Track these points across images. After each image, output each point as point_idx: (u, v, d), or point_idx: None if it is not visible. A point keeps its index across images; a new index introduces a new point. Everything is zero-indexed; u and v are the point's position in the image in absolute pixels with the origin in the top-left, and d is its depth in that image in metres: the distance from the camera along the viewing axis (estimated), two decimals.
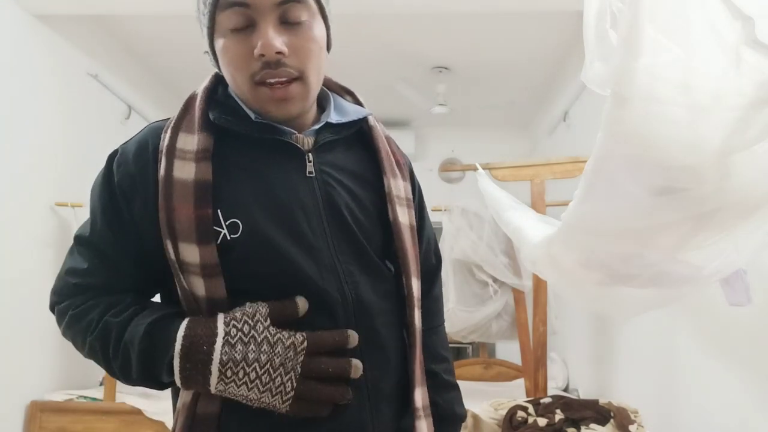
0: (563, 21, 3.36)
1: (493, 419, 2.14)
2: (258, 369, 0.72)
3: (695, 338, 2.29)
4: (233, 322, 0.74)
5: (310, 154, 0.85)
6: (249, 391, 0.73)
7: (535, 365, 2.70)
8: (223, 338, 0.73)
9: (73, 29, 3.33)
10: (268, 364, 0.73)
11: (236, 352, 0.72)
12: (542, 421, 1.98)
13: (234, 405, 0.77)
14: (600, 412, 2.00)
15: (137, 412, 2.89)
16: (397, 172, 0.92)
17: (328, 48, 0.88)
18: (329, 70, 0.93)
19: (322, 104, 0.93)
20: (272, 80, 0.79)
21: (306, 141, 0.86)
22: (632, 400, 2.38)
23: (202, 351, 0.73)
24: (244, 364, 0.72)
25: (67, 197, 3.12)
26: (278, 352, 0.73)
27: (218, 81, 0.89)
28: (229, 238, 0.78)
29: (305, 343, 0.74)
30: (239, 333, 0.73)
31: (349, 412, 0.79)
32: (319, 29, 0.83)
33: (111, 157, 0.85)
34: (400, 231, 0.88)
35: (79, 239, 0.85)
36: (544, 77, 4.29)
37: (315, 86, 0.85)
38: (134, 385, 0.81)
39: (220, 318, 0.75)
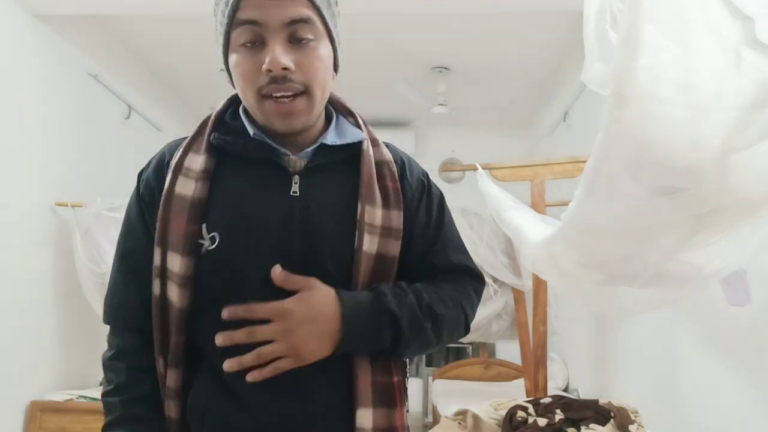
0: (563, 21, 3.36)
1: (493, 419, 2.13)
2: None
3: (695, 338, 2.29)
4: None
5: (297, 176, 0.89)
6: None
7: (535, 365, 2.70)
8: None
9: (73, 29, 3.33)
10: None
11: None
12: (542, 421, 1.98)
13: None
14: (600, 412, 2.00)
15: None
16: (378, 200, 0.91)
17: (336, 69, 0.93)
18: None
19: (330, 119, 0.97)
20: (278, 94, 0.83)
21: (298, 163, 0.90)
22: (632, 400, 2.38)
23: None
24: None
25: (67, 197, 3.12)
26: None
27: (231, 103, 0.96)
28: (208, 249, 0.86)
29: None
30: None
31: (298, 424, 0.85)
32: (325, 49, 0.88)
33: (140, 173, 0.96)
34: (359, 260, 0.88)
35: (119, 253, 0.95)
36: (544, 77, 4.29)
37: (319, 102, 0.88)
38: None
39: None
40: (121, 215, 3.29)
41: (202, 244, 0.86)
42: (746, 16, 0.90)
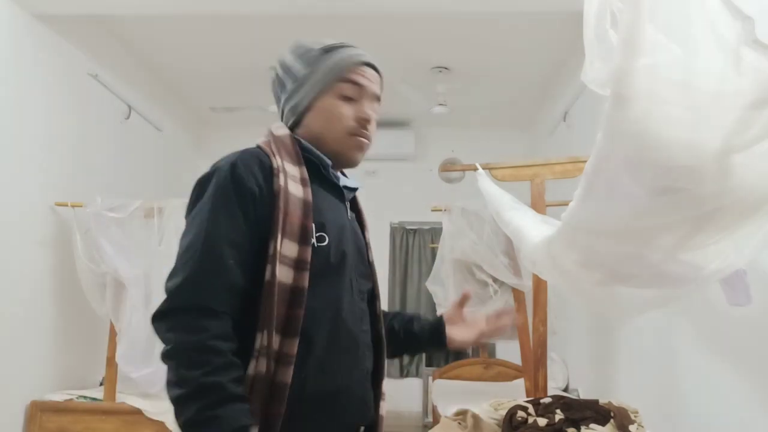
0: (563, 21, 3.36)
1: (493, 419, 2.13)
2: None
3: (695, 338, 2.29)
4: None
5: (348, 202, 1.20)
6: None
7: (535, 365, 2.70)
8: None
9: (73, 29, 3.33)
10: None
11: None
12: (542, 421, 1.98)
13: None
14: (600, 412, 2.00)
15: (137, 412, 2.90)
16: (368, 227, 1.28)
17: None
18: None
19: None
20: (361, 136, 1.16)
21: (344, 192, 1.20)
22: (632, 400, 2.38)
23: None
24: None
25: (67, 197, 3.12)
26: None
27: (291, 132, 1.18)
28: (316, 246, 1.05)
29: None
30: None
31: (362, 390, 1.11)
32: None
33: (233, 168, 1.04)
34: (374, 270, 1.24)
35: (226, 243, 1.00)
36: (544, 77, 4.29)
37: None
38: (176, 413, 0.93)
39: None
40: (120, 215, 3.24)
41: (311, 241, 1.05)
42: (746, 16, 0.90)
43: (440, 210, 3.28)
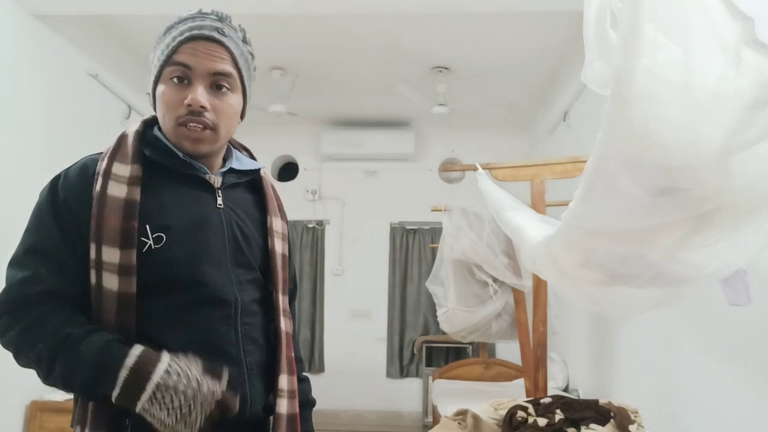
0: (563, 21, 3.37)
1: (493, 419, 2.13)
2: (182, 400, 0.88)
3: (695, 338, 2.29)
4: (175, 358, 0.91)
5: (219, 190, 1.11)
6: (168, 416, 0.88)
7: (535, 365, 2.70)
8: (166, 365, 0.90)
9: (73, 29, 3.33)
10: (192, 398, 0.89)
11: (170, 380, 0.88)
12: (542, 421, 1.98)
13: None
14: (600, 412, 2.00)
15: None
16: (278, 213, 1.20)
17: (242, 116, 1.15)
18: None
19: (226, 156, 1.19)
20: (192, 124, 1.04)
21: (216, 180, 1.11)
22: (632, 400, 2.38)
23: (146, 370, 0.88)
24: (173, 392, 0.88)
25: None
26: (202, 392, 0.90)
27: (146, 125, 1.11)
28: (153, 247, 0.99)
29: (219, 392, 0.92)
30: (177, 366, 0.90)
31: (233, 385, 0.99)
32: (236, 99, 1.10)
33: (55, 180, 1.04)
34: (275, 257, 1.15)
35: (25, 251, 0.99)
36: (544, 77, 4.29)
37: (223, 138, 1.09)
38: (67, 390, 0.96)
39: (166, 352, 0.92)
40: None
41: (145, 242, 0.98)
42: (746, 16, 0.90)
43: (440, 210, 3.28)
